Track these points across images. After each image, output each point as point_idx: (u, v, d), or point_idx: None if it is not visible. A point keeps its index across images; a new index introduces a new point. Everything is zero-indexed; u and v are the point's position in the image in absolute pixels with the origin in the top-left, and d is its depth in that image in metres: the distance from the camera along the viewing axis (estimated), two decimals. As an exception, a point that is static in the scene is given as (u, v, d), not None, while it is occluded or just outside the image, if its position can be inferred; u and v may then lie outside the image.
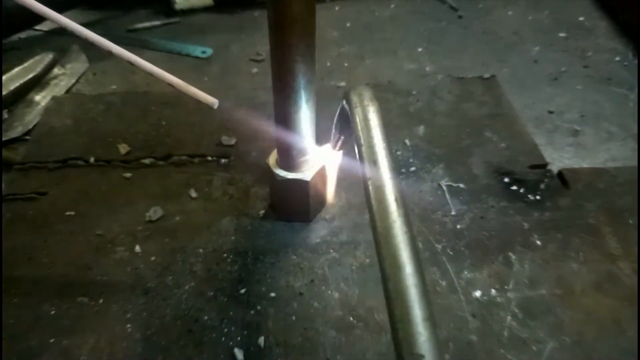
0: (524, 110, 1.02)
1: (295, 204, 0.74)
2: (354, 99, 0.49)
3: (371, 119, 0.47)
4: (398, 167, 0.84)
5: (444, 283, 0.70)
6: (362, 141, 0.45)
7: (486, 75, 1.09)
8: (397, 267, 0.34)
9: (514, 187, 0.84)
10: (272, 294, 0.69)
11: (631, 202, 0.81)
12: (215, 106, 0.62)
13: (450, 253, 0.74)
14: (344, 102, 0.53)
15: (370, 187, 0.41)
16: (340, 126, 0.64)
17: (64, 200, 0.83)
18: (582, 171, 0.86)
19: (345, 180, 0.86)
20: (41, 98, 1.05)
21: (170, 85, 0.62)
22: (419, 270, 0.34)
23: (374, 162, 0.42)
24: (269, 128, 0.75)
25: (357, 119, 0.47)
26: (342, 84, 1.10)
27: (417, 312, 0.31)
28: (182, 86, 0.61)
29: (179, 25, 1.33)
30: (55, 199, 0.83)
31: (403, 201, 0.39)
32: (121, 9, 1.38)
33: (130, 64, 0.61)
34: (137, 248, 0.75)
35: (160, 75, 0.61)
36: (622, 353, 0.63)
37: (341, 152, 0.73)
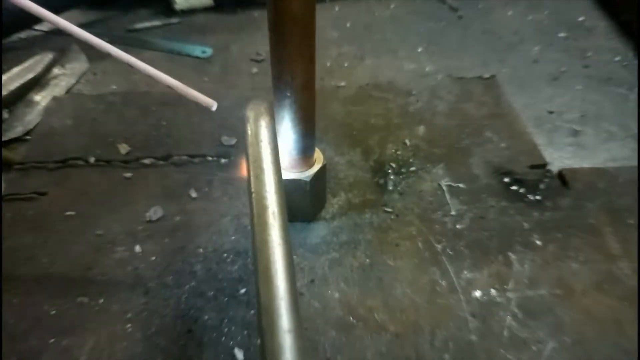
0: (524, 110, 1.02)
1: (295, 204, 0.74)
2: (249, 114, 0.49)
3: (261, 134, 0.47)
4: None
5: (444, 283, 0.70)
6: (250, 157, 0.45)
7: (486, 75, 1.09)
8: (269, 279, 0.35)
9: (514, 187, 0.84)
10: (272, 294, 0.69)
11: (631, 202, 0.81)
12: (214, 108, 0.62)
13: (450, 253, 0.74)
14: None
15: (252, 201, 0.41)
16: None
17: (64, 200, 0.83)
18: (582, 171, 0.86)
19: (346, 180, 0.86)
20: (41, 98, 1.05)
21: (168, 87, 0.62)
22: (290, 282, 0.35)
23: (257, 177, 0.43)
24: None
25: (248, 134, 0.48)
26: (342, 84, 1.10)
27: (283, 323, 0.32)
28: (181, 88, 0.61)
29: (179, 26, 1.32)
30: (55, 199, 0.83)
31: (282, 216, 0.40)
32: (121, 9, 1.37)
33: (129, 66, 0.61)
34: (137, 248, 0.75)
35: (158, 77, 0.61)
36: (622, 353, 0.63)
37: None
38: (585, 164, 0.90)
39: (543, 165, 0.87)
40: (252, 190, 0.42)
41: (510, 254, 0.74)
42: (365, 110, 1.00)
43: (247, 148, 0.46)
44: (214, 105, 0.62)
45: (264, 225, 0.38)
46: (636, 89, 1.06)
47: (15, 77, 1.05)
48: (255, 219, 0.39)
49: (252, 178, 0.43)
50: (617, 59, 1.16)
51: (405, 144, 0.92)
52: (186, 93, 0.61)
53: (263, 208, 0.40)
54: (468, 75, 1.10)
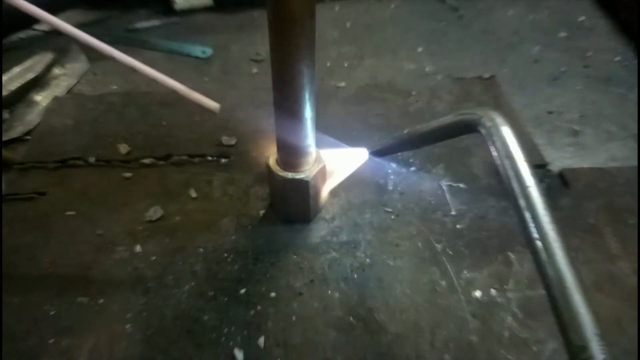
0: (524, 110, 1.02)
1: (295, 204, 0.74)
2: (488, 124, 0.48)
3: (514, 156, 0.49)
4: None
5: (444, 283, 0.70)
6: (506, 164, 0.47)
7: (486, 76, 1.09)
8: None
9: (514, 187, 0.83)
10: (272, 294, 0.69)
11: (631, 202, 0.80)
12: (217, 111, 0.62)
13: (450, 253, 0.74)
14: (476, 126, 0.50)
15: (526, 221, 0.42)
16: (423, 141, 0.61)
17: (64, 200, 0.83)
18: (582, 171, 0.86)
19: (346, 180, 0.86)
20: (42, 98, 1.05)
21: (172, 90, 0.62)
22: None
23: (527, 195, 0.45)
24: (269, 128, 0.75)
25: (497, 145, 0.47)
26: (342, 84, 1.10)
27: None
28: (184, 91, 0.61)
29: (179, 25, 1.32)
30: (56, 199, 0.83)
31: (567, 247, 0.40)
32: (121, 9, 1.37)
33: (134, 70, 0.61)
34: (137, 248, 0.75)
35: (162, 81, 0.61)
36: (622, 353, 0.63)
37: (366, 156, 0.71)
38: (585, 164, 0.90)
39: (543, 165, 0.87)
40: (521, 205, 0.42)
41: (510, 254, 0.74)
42: (365, 110, 1.00)
43: (499, 156, 0.45)
44: (217, 109, 0.62)
45: (555, 256, 0.40)
46: (636, 89, 1.06)
47: (16, 77, 1.05)
48: (549, 269, 0.41)
49: (516, 189, 0.44)
50: (617, 59, 1.16)
51: (405, 144, 0.92)
52: (189, 96, 0.62)
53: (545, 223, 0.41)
54: (468, 76, 1.10)
